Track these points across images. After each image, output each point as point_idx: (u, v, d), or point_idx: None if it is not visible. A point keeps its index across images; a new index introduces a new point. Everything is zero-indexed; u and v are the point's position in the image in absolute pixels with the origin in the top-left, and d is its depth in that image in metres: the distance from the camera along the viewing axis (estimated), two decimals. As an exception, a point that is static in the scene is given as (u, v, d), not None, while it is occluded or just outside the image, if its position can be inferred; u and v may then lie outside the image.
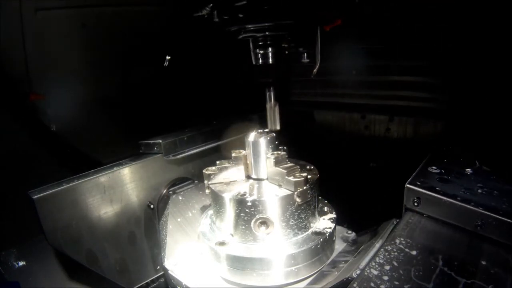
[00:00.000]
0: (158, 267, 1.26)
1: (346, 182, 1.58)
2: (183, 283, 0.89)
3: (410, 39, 1.42)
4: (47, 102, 1.37)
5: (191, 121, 1.51)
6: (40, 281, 1.14)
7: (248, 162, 0.94)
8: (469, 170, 0.90)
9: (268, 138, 0.90)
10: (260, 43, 0.96)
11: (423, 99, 1.47)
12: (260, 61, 0.98)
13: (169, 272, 0.94)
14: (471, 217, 0.72)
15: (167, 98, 1.71)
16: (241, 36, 0.95)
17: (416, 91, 1.48)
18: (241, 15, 0.86)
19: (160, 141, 1.28)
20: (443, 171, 0.90)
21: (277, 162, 0.87)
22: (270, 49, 0.96)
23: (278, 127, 0.99)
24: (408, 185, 0.82)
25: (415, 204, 0.80)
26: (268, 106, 0.98)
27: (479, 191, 0.79)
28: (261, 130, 0.93)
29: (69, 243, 1.05)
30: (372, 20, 1.47)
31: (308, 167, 0.98)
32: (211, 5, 0.87)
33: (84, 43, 1.44)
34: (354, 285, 0.63)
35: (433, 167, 0.92)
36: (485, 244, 0.69)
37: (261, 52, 0.97)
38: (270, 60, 0.97)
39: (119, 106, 1.59)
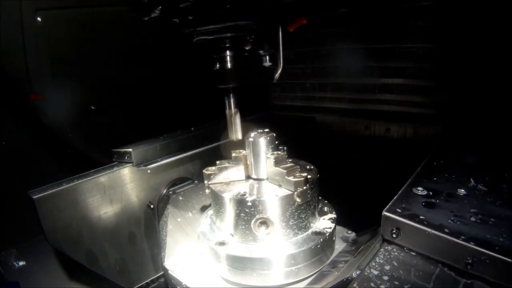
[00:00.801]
0: (158, 267, 1.26)
1: (346, 182, 1.58)
2: (183, 283, 0.89)
3: (408, 41, 1.42)
4: (47, 102, 1.37)
5: (174, 126, 1.43)
6: (40, 281, 1.14)
7: (248, 162, 0.94)
8: (462, 191, 0.78)
9: (268, 138, 0.90)
10: (216, 46, 0.89)
11: (420, 104, 1.46)
12: (217, 65, 0.91)
13: (169, 272, 0.94)
14: (461, 254, 0.61)
15: (146, 102, 1.66)
16: (195, 39, 0.88)
17: (413, 95, 1.48)
18: (189, 17, 0.80)
19: (131, 150, 1.20)
20: (430, 193, 0.78)
21: (277, 162, 0.87)
22: (227, 52, 0.89)
23: (240, 137, 0.93)
24: (386, 213, 0.70)
25: (394, 236, 0.69)
26: (227, 114, 0.92)
27: (472, 218, 0.67)
28: (261, 130, 0.93)
29: (69, 243, 1.05)
30: (370, 21, 1.47)
31: (308, 167, 0.98)
32: (160, 7, 0.81)
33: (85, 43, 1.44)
34: (354, 285, 0.62)
35: (419, 188, 0.79)
36: (476, 285, 0.59)
37: (217, 56, 0.90)
38: (229, 65, 0.90)
39: (119, 106, 1.59)
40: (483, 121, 1.24)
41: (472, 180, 0.82)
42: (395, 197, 0.77)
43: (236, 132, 0.93)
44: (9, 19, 1.24)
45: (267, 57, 0.95)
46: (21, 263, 1.16)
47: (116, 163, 1.21)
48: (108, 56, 1.53)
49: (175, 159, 1.30)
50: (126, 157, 1.21)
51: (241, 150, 0.98)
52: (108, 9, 1.47)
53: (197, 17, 0.81)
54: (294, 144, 1.10)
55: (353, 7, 1.47)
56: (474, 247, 0.59)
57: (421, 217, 0.68)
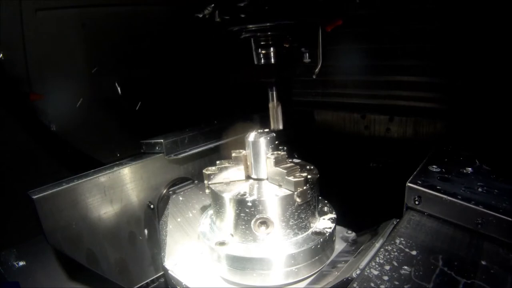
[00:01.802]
0: (158, 267, 1.26)
1: (346, 182, 1.58)
2: (183, 283, 0.89)
3: (410, 39, 1.42)
4: (47, 102, 1.37)
5: (192, 121, 1.50)
6: (40, 281, 1.14)
7: (248, 162, 0.94)
8: (469, 169, 0.90)
9: (268, 138, 0.90)
10: (262, 43, 0.96)
11: (423, 99, 1.47)
12: (262, 61, 0.98)
13: (169, 272, 0.94)
14: (472, 216, 0.72)
15: (168, 98, 1.71)
16: (242, 36, 0.95)
17: (416, 91, 1.48)
18: (242, 15, 0.86)
19: (162, 140, 1.27)
20: (443, 170, 0.90)
21: (277, 162, 0.87)
22: (272, 49, 0.96)
23: (281, 127, 0.99)
24: (409, 184, 0.82)
25: (416, 202, 0.81)
26: (270, 105, 0.98)
27: (480, 189, 0.79)
28: (261, 130, 0.93)
29: (69, 243, 1.05)
30: (372, 20, 1.47)
31: (308, 167, 0.98)
32: (213, 5, 0.87)
33: (85, 43, 1.44)
34: (354, 285, 0.63)
35: (434, 166, 0.92)
36: (485, 243, 0.70)
37: (263, 52, 0.97)
38: (272, 60, 0.97)
39: (120, 106, 1.59)
40: (487, 119, 1.24)
41: (477, 162, 0.94)
42: (415, 173, 0.88)
43: (278, 122, 0.99)
44: (9, 19, 1.24)
45: (307, 54, 1.01)
46: (21, 263, 1.16)
47: (144, 154, 1.28)
48: (107, 57, 1.53)
49: (202, 149, 1.39)
50: (157, 148, 1.28)
51: (241, 150, 0.98)
52: (107, 9, 1.47)
53: (251, 15, 0.87)
54: (294, 144, 1.10)
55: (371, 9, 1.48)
56: (483, 209, 0.71)
57: (438, 187, 0.80)
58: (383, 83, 1.56)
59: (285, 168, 0.85)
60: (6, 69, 1.28)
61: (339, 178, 1.49)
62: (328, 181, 1.01)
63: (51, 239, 1.01)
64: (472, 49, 1.27)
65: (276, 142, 0.93)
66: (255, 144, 0.90)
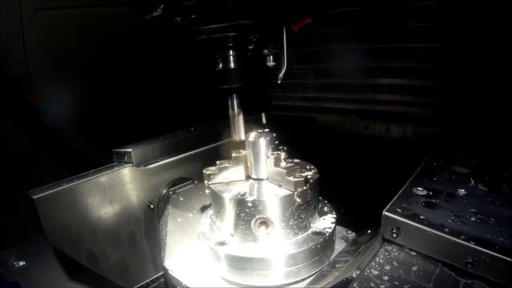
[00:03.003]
0: (158, 267, 1.26)
1: (346, 182, 1.58)
2: (183, 283, 0.89)
3: (406, 40, 1.42)
4: (46, 102, 1.37)
5: (174, 126, 1.42)
6: (40, 281, 1.14)
7: (248, 162, 0.94)
8: (462, 191, 0.78)
9: (268, 138, 0.90)
10: (221, 45, 0.87)
11: (421, 104, 1.46)
12: (220, 65, 0.89)
13: (169, 272, 0.94)
14: (461, 253, 0.61)
15: (144, 101, 1.65)
16: (198, 38, 0.86)
17: (413, 95, 1.47)
18: (192, 16, 0.79)
19: (131, 150, 1.20)
20: (430, 193, 0.78)
21: (277, 162, 0.87)
22: (230, 52, 0.87)
23: (242, 137, 0.92)
24: (386, 213, 0.71)
25: (394, 235, 0.69)
26: (230, 114, 0.91)
27: (472, 218, 0.68)
28: (261, 130, 0.93)
29: (69, 243, 1.05)
30: (372, 20, 1.47)
31: (308, 167, 0.98)
32: (162, 6, 0.79)
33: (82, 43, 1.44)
34: (354, 285, 0.62)
35: (419, 189, 0.80)
36: (476, 285, 0.60)
37: (221, 55, 0.88)
38: (232, 65, 0.88)
39: (117, 105, 1.59)
40: (483, 122, 1.23)
41: (472, 180, 0.82)
42: (395, 197, 0.76)
43: (239, 132, 0.93)
44: (9, 19, 1.24)
45: (271, 57, 0.94)
46: (21, 263, 1.16)
47: (115, 163, 1.21)
48: (107, 56, 1.53)
49: (175, 159, 1.30)
50: (126, 157, 1.21)
51: (241, 150, 0.98)
52: (107, 9, 1.47)
53: (200, 16, 0.80)
54: (294, 144, 1.10)
55: (356, 6, 1.46)
56: (474, 246, 0.59)
57: (421, 216, 0.68)
58: (379, 86, 1.56)
59: (285, 168, 0.85)
60: (6, 69, 1.28)
61: (339, 178, 1.49)
62: (328, 181, 1.01)
63: (51, 239, 1.01)
64: (473, 51, 1.27)
65: (276, 142, 0.93)
66: (255, 144, 0.90)
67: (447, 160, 0.95)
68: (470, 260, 0.60)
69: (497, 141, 1.08)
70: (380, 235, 0.73)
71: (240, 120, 0.92)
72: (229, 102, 0.92)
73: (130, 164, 1.20)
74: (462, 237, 0.62)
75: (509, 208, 0.70)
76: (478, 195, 0.76)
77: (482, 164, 0.93)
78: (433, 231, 0.64)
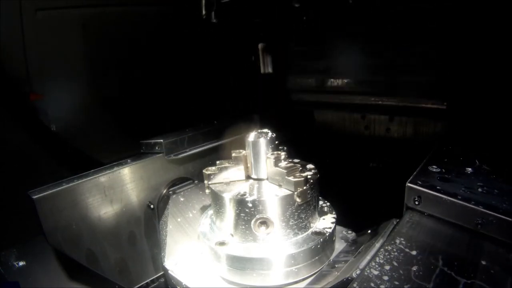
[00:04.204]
0: (158, 267, 1.26)
1: (346, 182, 1.58)
2: (183, 283, 0.89)
3: (408, 37, 1.42)
4: (47, 102, 1.37)
5: (191, 121, 1.51)
6: (40, 281, 1.14)
7: (248, 162, 0.94)
8: (469, 170, 0.90)
9: (268, 138, 0.90)
10: None
11: (423, 99, 1.47)
12: None
13: (169, 272, 0.94)
14: (472, 216, 0.72)
15: (168, 98, 1.71)
16: None
17: (416, 91, 1.48)
18: None
19: (162, 140, 1.28)
20: (443, 170, 0.90)
21: (277, 162, 0.87)
22: None
23: (270, 70, 0.95)
24: (409, 184, 0.82)
25: (416, 203, 0.81)
26: (260, 46, 0.95)
27: (480, 190, 0.79)
28: (261, 130, 0.93)
29: (69, 243, 1.05)
30: (373, 18, 1.47)
31: (308, 167, 0.98)
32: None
33: (85, 43, 1.44)
34: (354, 285, 0.62)
35: (434, 166, 0.92)
36: (485, 243, 0.70)
37: None
38: None
39: (120, 106, 1.59)
40: (487, 119, 1.24)
41: (477, 162, 0.94)
42: (415, 173, 0.88)
43: (267, 65, 0.97)
44: (9, 19, 1.24)
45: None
46: (21, 263, 1.16)
47: (143, 153, 1.27)
48: (107, 56, 1.53)
49: (201, 149, 1.39)
50: (157, 147, 1.28)
51: (241, 150, 0.98)
52: (107, 9, 1.47)
53: None
54: (294, 144, 1.10)
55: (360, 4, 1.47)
56: (483, 210, 0.70)
57: (438, 187, 0.80)
58: (383, 82, 1.56)
59: (285, 168, 0.85)
60: (6, 69, 1.28)
61: (339, 178, 1.49)
62: (328, 181, 1.01)
63: (51, 239, 1.01)
64: (472, 48, 1.27)
65: (276, 142, 0.93)
66: (255, 144, 0.90)
67: (454, 148, 1.07)
68: (479, 222, 0.71)
69: (497, 141, 1.09)
70: (404, 204, 0.84)
71: (268, 54, 0.95)
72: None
73: (161, 154, 1.26)
74: (473, 202, 0.73)
75: (509, 184, 0.82)
76: (483, 173, 0.89)
77: (484, 152, 1.02)
78: (449, 198, 0.76)
